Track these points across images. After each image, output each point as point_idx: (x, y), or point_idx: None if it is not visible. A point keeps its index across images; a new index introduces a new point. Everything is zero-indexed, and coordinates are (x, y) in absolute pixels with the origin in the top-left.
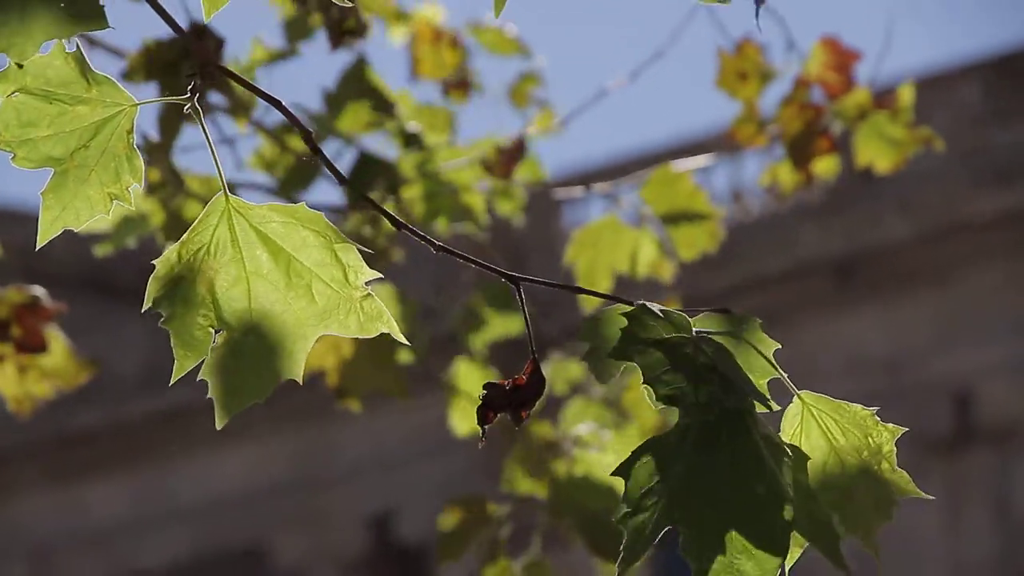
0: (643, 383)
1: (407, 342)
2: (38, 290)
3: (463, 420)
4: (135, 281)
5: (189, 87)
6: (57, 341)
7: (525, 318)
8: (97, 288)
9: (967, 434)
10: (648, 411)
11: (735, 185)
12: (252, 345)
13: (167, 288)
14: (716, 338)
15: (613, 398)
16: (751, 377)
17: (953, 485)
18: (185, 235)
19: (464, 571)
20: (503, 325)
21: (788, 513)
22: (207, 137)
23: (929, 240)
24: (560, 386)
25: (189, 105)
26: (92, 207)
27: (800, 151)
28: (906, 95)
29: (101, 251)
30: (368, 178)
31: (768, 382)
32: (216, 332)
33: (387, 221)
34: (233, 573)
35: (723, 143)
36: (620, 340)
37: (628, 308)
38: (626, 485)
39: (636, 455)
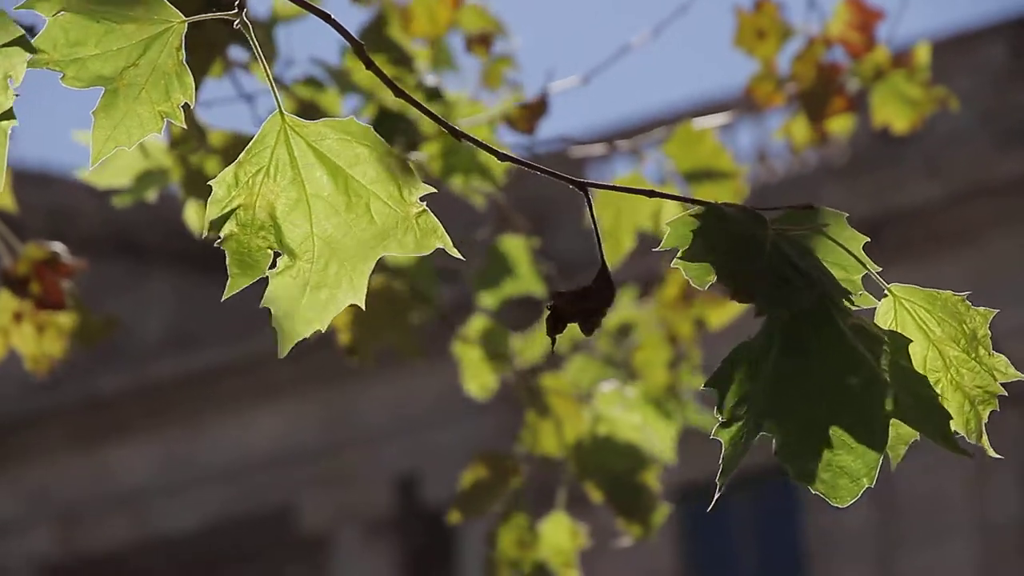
0: (717, 280)
1: (461, 256)
2: (58, 246)
3: (474, 377)
4: (161, 244)
5: (237, 2)
6: (76, 300)
7: (593, 223)
8: (124, 250)
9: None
10: (658, 371)
11: (759, 145)
12: (315, 271)
13: (225, 210)
14: (798, 235)
15: (620, 358)
16: (840, 272)
17: (979, 447)
18: (241, 155)
19: (488, 531)
20: (517, 284)
21: (886, 401)
22: (256, 50)
23: (955, 202)
24: (563, 342)
25: (238, 20)
26: (143, 126)
27: (815, 107)
28: (923, 54)
29: (119, 202)
30: (387, 134)
31: (862, 279)
32: (276, 255)
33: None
34: (260, 535)
35: (744, 104)
36: (694, 240)
37: (703, 208)
38: (719, 395)
39: (725, 364)
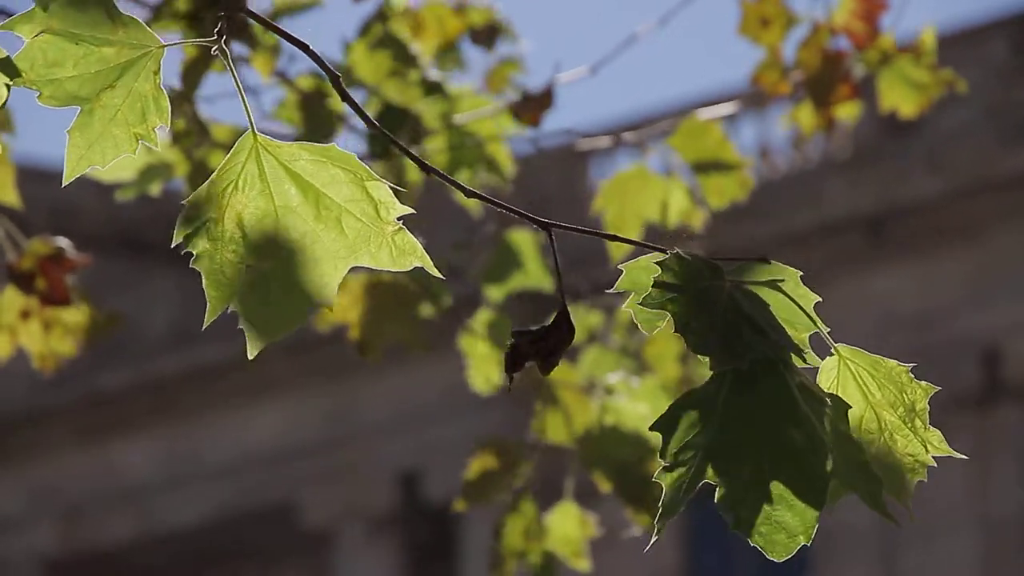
0: (675, 331)
1: (440, 275)
2: (62, 241)
3: (480, 372)
4: (164, 240)
5: (216, 29)
6: (81, 297)
7: (555, 264)
8: (127, 247)
9: (995, 390)
10: (670, 364)
11: (762, 141)
12: (282, 275)
13: (196, 225)
14: (753, 288)
15: (633, 349)
16: (790, 329)
17: (981, 441)
18: (214, 173)
19: (491, 527)
20: (524, 278)
21: (827, 462)
22: (234, 77)
23: (958, 197)
24: (579, 334)
25: (216, 47)
26: (118, 146)
27: (820, 94)
28: (929, 38)
29: (122, 196)
30: (391, 128)
31: (809, 337)
32: (247, 267)
33: (411, 169)
34: (262, 531)
35: (750, 98)
36: (653, 288)
37: (661, 255)
38: (664, 439)
39: (673, 409)
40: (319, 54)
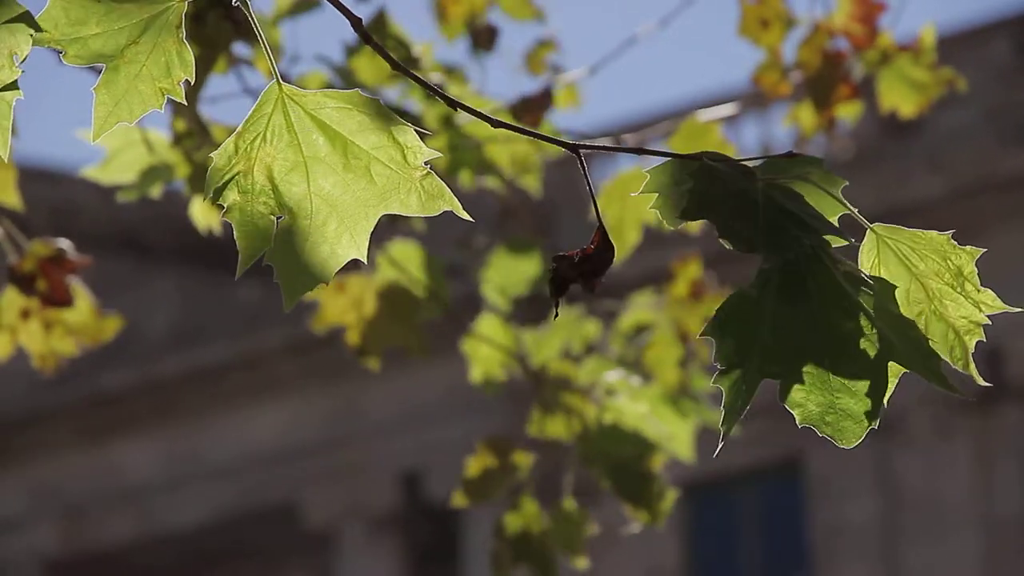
0: (719, 236)
1: (470, 218)
2: (63, 243)
3: (481, 374)
4: (166, 241)
5: None
6: (82, 297)
7: (589, 186)
8: (129, 247)
9: (998, 390)
10: (670, 369)
11: (765, 140)
12: (314, 227)
13: (226, 178)
14: (783, 182)
15: (632, 358)
16: (817, 212)
17: (984, 441)
18: (240, 126)
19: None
20: (527, 279)
21: (881, 346)
22: (256, 28)
23: (959, 197)
24: (576, 344)
25: None
26: (144, 102)
27: (821, 94)
28: (928, 38)
29: (124, 197)
30: None
31: (840, 218)
32: (278, 219)
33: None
34: (264, 531)
35: (750, 99)
36: (690, 197)
37: (692, 163)
38: (717, 343)
39: (722, 311)
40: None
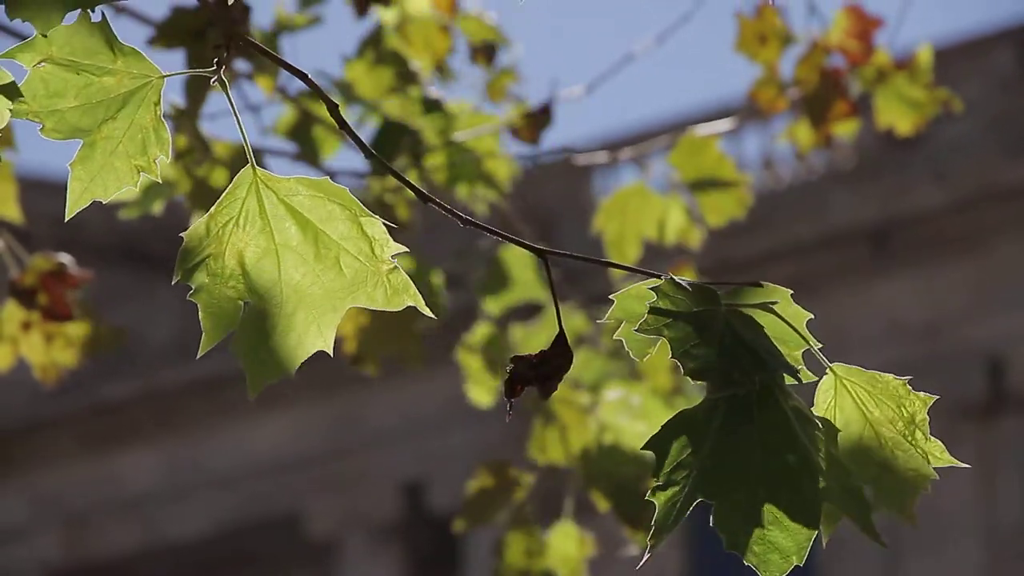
0: (671, 357)
1: (432, 315)
2: (64, 257)
3: (478, 385)
4: (167, 251)
5: (215, 59)
6: (84, 310)
7: (552, 292)
8: (130, 258)
9: (1000, 400)
10: (663, 372)
11: (766, 153)
12: (283, 316)
13: (196, 260)
14: (746, 310)
15: (624, 352)
16: (783, 349)
17: (986, 451)
18: (213, 208)
19: (495, 537)
20: (523, 290)
21: (820, 483)
22: (234, 110)
23: (961, 208)
24: (566, 336)
25: (216, 77)
26: (119, 179)
27: (818, 111)
28: (925, 56)
29: (126, 216)
30: (391, 145)
31: (802, 353)
32: (245, 304)
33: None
34: (266, 541)
35: (748, 113)
36: (649, 314)
37: (656, 281)
38: (657, 459)
39: (666, 429)
40: (317, 83)
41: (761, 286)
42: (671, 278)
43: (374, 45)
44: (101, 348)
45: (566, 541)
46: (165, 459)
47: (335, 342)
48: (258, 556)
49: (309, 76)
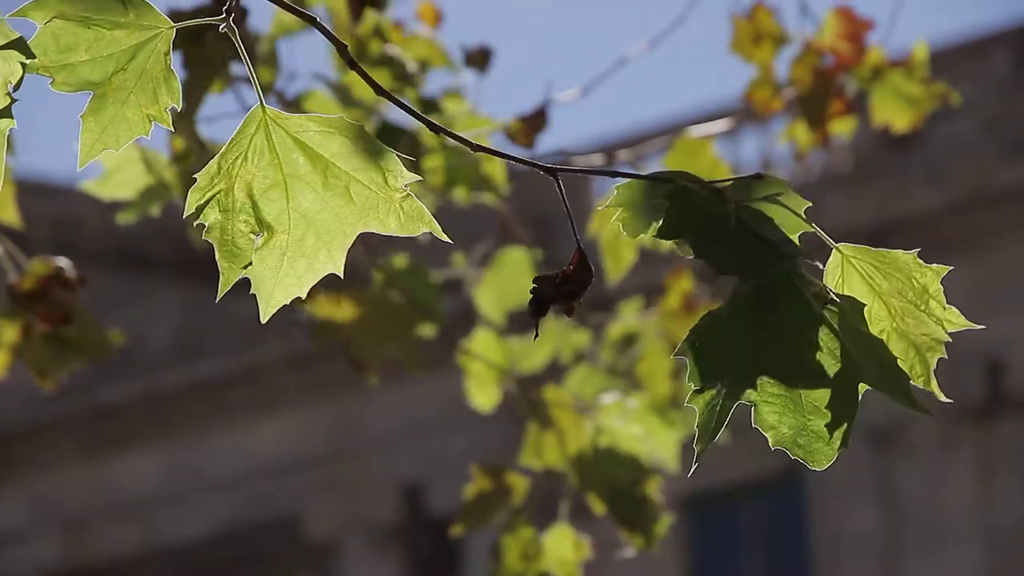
0: (695, 256)
1: (450, 240)
2: (62, 261)
3: (478, 389)
4: (167, 254)
5: (225, 7)
6: (83, 313)
7: (565, 207)
8: (129, 262)
9: (999, 403)
10: (661, 381)
11: (763, 155)
12: (292, 242)
13: (208, 196)
14: (752, 204)
15: (623, 367)
16: (789, 235)
17: (985, 453)
18: (223, 147)
19: (494, 539)
20: (522, 293)
21: (852, 366)
22: (243, 55)
23: (958, 210)
24: (566, 353)
25: (225, 24)
26: (131, 129)
27: (814, 111)
28: (920, 52)
29: (124, 218)
30: (389, 146)
31: (806, 237)
32: (257, 237)
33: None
34: (265, 543)
35: (744, 115)
36: (666, 218)
37: (667, 185)
38: (691, 364)
39: (696, 333)
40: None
41: (761, 178)
42: (681, 184)
43: (371, 47)
44: (100, 352)
45: (562, 544)
46: (164, 462)
47: (336, 346)
48: (258, 558)
49: (317, 19)
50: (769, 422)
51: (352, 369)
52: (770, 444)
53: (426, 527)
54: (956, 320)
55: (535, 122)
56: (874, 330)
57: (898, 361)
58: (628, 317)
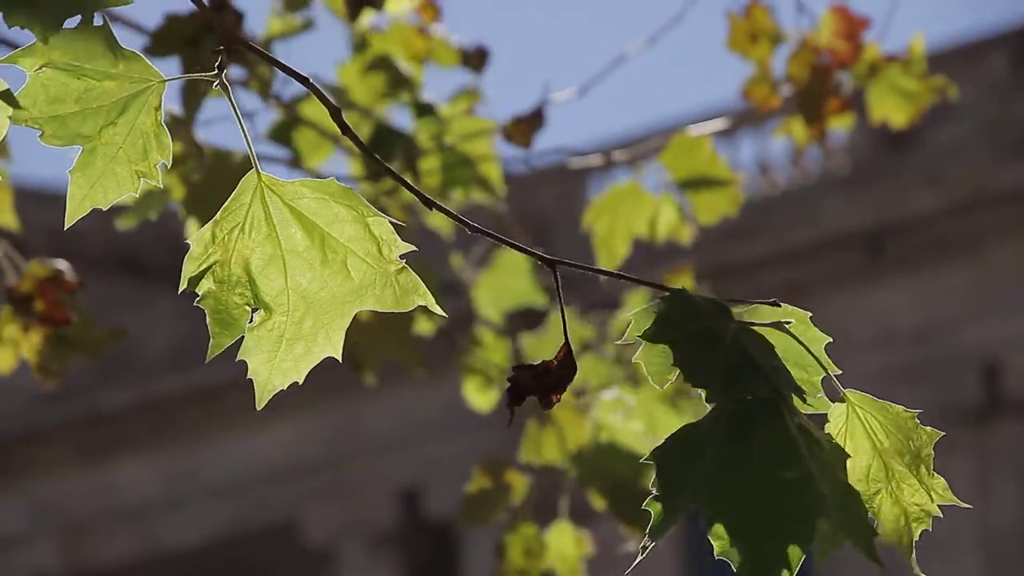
0: (673, 363)
1: (443, 313)
2: (60, 263)
3: (477, 392)
4: (165, 260)
5: (216, 63)
6: (81, 313)
7: (560, 304)
8: (127, 268)
9: (996, 405)
10: None
11: (760, 157)
12: (291, 324)
13: (202, 267)
14: (760, 330)
15: (628, 358)
16: (800, 371)
17: (981, 455)
18: (218, 214)
19: (492, 544)
20: (520, 295)
21: (818, 505)
22: (236, 113)
23: (956, 212)
24: (572, 345)
25: (217, 81)
26: (120, 185)
27: (811, 108)
28: (918, 47)
29: (123, 224)
30: (386, 149)
31: (822, 380)
32: (253, 311)
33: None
34: (264, 549)
35: (743, 114)
36: (656, 325)
37: (665, 294)
38: (657, 469)
39: (669, 440)
40: (319, 87)
41: (778, 305)
42: (684, 292)
43: (368, 50)
44: (100, 350)
45: (563, 541)
46: (163, 467)
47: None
48: (256, 564)
49: (310, 80)
50: (719, 533)
51: (350, 368)
52: (715, 552)
53: (424, 532)
54: (942, 492)
55: (532, 122)
56: (871, 490)
57: (888, 525)
58: (635, 308)
